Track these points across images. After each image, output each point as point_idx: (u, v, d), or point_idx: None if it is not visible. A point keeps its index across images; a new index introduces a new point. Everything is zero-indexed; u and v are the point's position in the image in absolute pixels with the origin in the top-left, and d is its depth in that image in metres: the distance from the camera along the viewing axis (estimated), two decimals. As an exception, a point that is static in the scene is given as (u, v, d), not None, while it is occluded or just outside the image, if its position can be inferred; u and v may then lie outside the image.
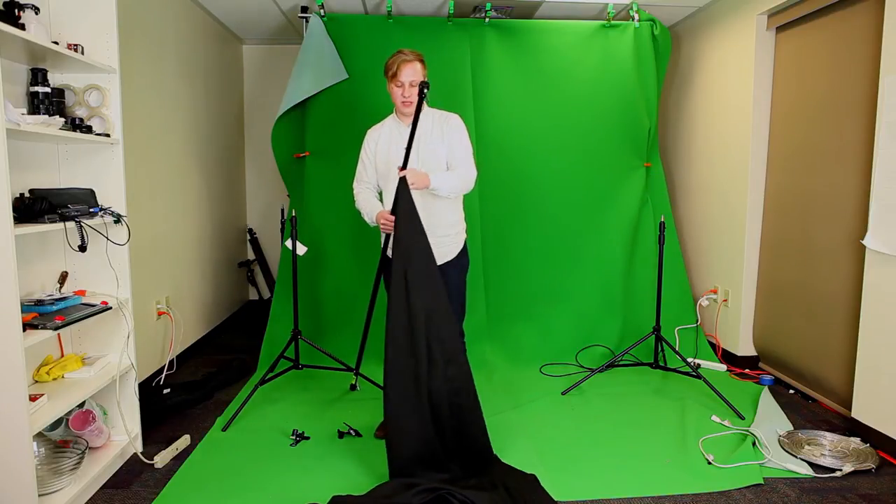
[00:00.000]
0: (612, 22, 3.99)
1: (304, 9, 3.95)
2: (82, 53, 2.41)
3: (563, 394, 3.40)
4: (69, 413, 2.39)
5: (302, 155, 3.90)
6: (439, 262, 2.60)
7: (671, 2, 4.07)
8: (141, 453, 2.60)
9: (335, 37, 3.82)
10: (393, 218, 2.51)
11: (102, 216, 2.43)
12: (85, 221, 2.29)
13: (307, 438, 2.81)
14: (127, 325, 2.59)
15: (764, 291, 3.81)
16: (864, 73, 2.99)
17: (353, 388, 3.44)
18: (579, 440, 2.83)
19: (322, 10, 3.79)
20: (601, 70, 4.00)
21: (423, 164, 2.64)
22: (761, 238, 3.81)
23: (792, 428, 2.93)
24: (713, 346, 4.08)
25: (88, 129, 2.41)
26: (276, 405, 3.21)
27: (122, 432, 2.61)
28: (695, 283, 4.39)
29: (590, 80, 4.00)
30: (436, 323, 2.43)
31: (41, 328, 2.10)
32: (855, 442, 2.78)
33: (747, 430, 2.86)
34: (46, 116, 2.19)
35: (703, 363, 3.88)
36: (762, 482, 2.43)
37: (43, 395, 2.21)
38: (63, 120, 2.29)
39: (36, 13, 2.20)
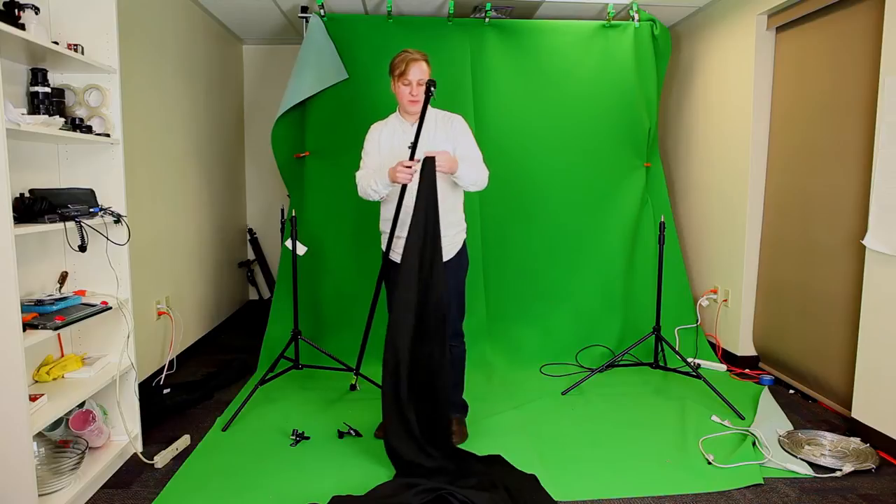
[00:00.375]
0: (612, 22, 3.99)
1: (304, 9, 3.95)
2: (82, 53, 2.40)
3: (563, 394, 3.40)
4: (69, 413, 2.39)
5: (302, 155, 3.90)
6: None
7: (671, 2, 4.07)
8: (141, 453, 2.60)
9: (335, 37, 3.82)
10: (413, 163, 2.45)
11: (102, 216, 2.43)
12: (85, 221, 2.29)
13: (307, 438, 2.81)
14: (127, 325, 2.59)
15: (764, 291, 3.81)
16: (864, 74, 2.99)
17: (353, 388, 3.43)
18: (579, 440, 2.83)
19: (322, 10, 3.79)
20: (601, 70, 4.00)
21: None
22: (761, 238, 3.81)
23: (792, 428, 2.93)
24: (713, 346, 4.08)
25: (88, 129, 2.41)
26: (276, 405, 3.21)
27: (122, 432, 2.61)
28: (695, 283, 4.39)
29: (590, 80, 4.00)
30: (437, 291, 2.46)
31: (41, 328, 2.10)
32: (855, 442, 2.78)
33: (747, 430, 2.86)
34: (46, 116, 2.19)
35: (703, 363, 3.88)
36: (762, 482, 2.43)
37: (43, 395, 2.21)
38: (63, 120, 2.29)
39: (36, 13, 2.20)
